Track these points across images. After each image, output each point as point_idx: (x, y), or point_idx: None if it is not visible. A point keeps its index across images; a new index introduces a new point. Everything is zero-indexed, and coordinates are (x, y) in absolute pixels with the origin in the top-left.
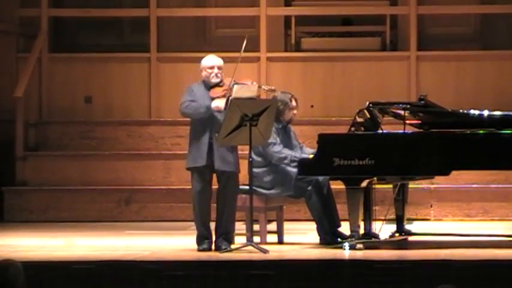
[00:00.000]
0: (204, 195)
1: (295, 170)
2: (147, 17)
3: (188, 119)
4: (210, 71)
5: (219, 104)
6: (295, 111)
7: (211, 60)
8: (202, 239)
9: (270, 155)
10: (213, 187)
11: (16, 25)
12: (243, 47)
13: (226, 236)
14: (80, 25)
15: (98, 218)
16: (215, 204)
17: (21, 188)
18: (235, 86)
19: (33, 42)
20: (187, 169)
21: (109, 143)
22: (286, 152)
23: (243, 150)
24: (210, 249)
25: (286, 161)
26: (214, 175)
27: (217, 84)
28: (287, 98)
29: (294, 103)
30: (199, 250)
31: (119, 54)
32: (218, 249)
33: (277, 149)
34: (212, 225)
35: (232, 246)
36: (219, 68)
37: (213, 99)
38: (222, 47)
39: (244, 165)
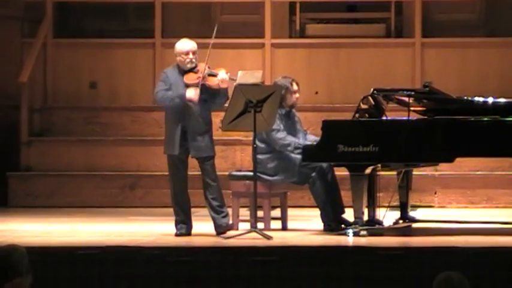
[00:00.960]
0: (178, 181)
1: (299, 156)
2: (152, 3)
3: None
4: (185, 57)
5: (192, 95)
6: (297, 95)
7: (185, 46)
8: (180, 223)
9: (273, 141)
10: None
11: (21, 10)
12: (214, 33)
13: (222, 216)
14: (85, 10)
15: (102, 204)
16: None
17: (26, 173)
18: (239, 72)
19: (38, 28)
20: (164, 153)
21: (114, 128)
22: (290, 139)
23: (247, 136)
24: (188, 234)
25: (289, 148)
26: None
27: (191, 70)
28: (288, 83)
29: (295, 87)
30: (176, 235)
31: (124, 39)
32: (218, 229)
33: (281, 135)
34: (206, 211)
35: (236, 232)
36: (194, 53)
37: (186, 85)
38: (227, 32)
39: (248, 152)
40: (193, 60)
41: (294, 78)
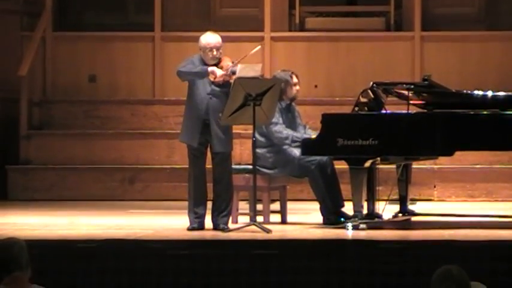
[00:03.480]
0: (198, 173)
1: (298, 149)
2: None
3: None
4: (209, 52)
5: (216, 70)
6: (297, 88)
7: (210, 41)
8: (194, 217)
9: (271, 134)
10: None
11: (20, 3)
12: (252, 52)
13: (223, 215)
14: (85, 4)
15: (101, 197)
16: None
17: (25, 166)
18: (238, 65)
19: (38, 21)
20: (180, 141)
21: (113, 122)
22: (288, 132)
23: (247, 129)
24: (201, 229)
25: (287, 141)
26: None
27: (215, 65)
28: (287, 76)
29: (295, 79)
30: (188, 229)
31: (124, 33)
32: (215, 227)
33: (279, 129)
34: (207, 204)
35: (236, 226)
36: (218, 48)
37: (212, 82)
38: (227, 26)
39: (248, 145)
40: (217, 56)
41: (293, 71)
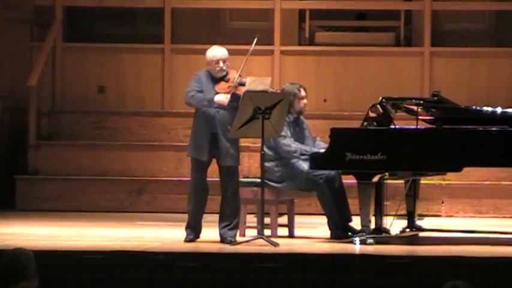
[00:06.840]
0: (200, 186)
1: (306, 163)
2: (161, 8)
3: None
4: (215, 65)
5: (222, 98)
6: (305, 101)
7: (216, 54)
8: (190, 229)
9: (279, 146)
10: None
11: (31, 14)
12: (253, 45)
13: (230, 228)
14: (94, 15)
15: (109, 208)
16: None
17: (33, 176)
18: (248, 78)
19: (48, 31)
20: (188, 156)
21: (121, 133)
22: (297, 145)
23: (255, 143)
24: (195, 240)
25: (296, 154)
26: (212, 166)
27: (222, 78)
28: (295, 89)
29: (303, 93)
30: (185, 241)
31: (133, 44)
32: (223, 240)
33: (287, 142)
34: (215, 216)
35: (243, 239)
36: (224, 61)
37: (217, 93)
38: (236, 39)
39: (256, 158)
40: (224, 68)
41: (301, 84)
